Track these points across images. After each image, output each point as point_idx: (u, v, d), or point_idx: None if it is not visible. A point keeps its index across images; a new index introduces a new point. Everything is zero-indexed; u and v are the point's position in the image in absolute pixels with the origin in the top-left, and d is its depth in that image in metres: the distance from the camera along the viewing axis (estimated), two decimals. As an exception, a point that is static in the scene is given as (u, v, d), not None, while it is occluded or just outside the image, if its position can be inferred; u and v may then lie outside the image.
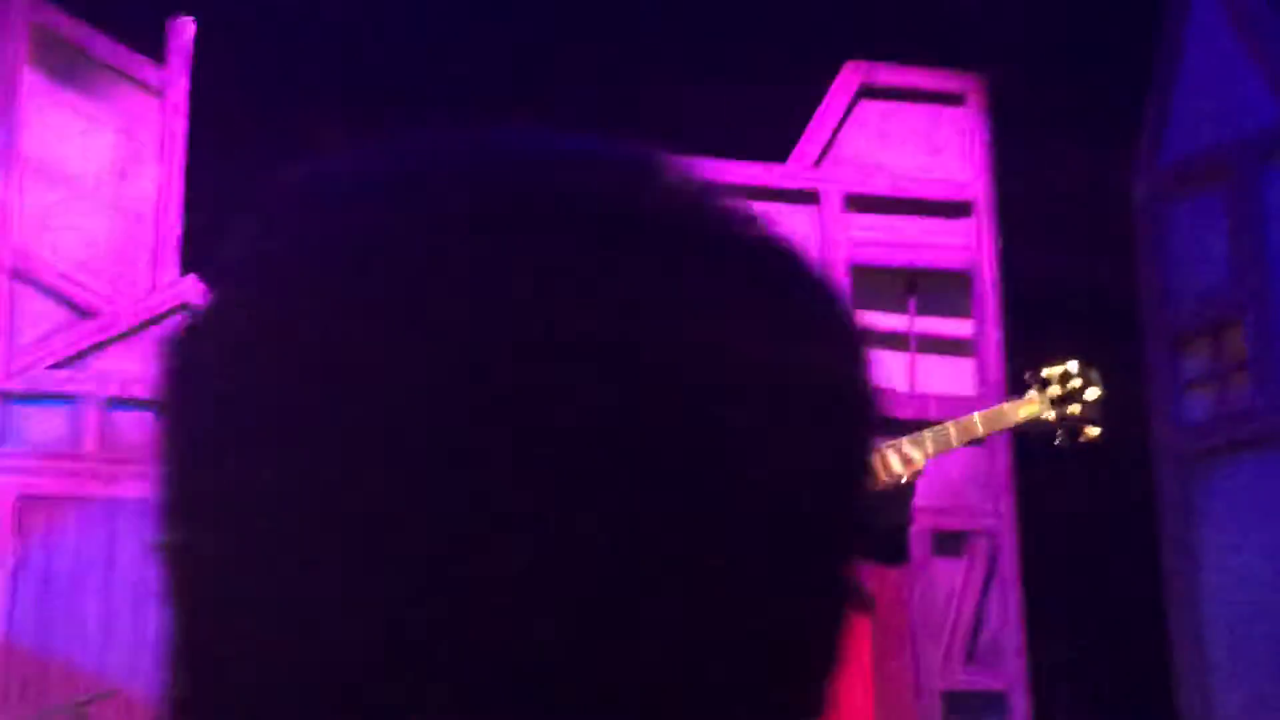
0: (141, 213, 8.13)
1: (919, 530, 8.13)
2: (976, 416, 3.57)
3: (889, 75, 8.77)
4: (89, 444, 7.71)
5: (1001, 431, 3.57)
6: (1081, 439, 3.63)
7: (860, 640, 8.00)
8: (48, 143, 8.10)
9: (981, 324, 8.48)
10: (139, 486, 7.66)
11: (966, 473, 8.30)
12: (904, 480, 3.52)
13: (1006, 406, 3.60)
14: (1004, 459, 8.30)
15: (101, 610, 7.54)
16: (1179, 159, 8.74)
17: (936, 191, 8.67)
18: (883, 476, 3.54)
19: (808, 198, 8.54)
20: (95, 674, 7.38)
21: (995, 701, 8.04)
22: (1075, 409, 3.60)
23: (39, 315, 7.89)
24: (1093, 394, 3.59)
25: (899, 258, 8.57)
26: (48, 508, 7.61)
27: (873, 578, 7.99)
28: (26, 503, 7.57)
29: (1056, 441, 3.67)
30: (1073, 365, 3.62)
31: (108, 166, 8.17)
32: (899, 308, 8.55)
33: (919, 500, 8.15)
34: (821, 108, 8.66)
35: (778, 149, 8.62)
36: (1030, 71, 8.61)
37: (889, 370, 8.34)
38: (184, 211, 8.12)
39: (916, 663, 7.98)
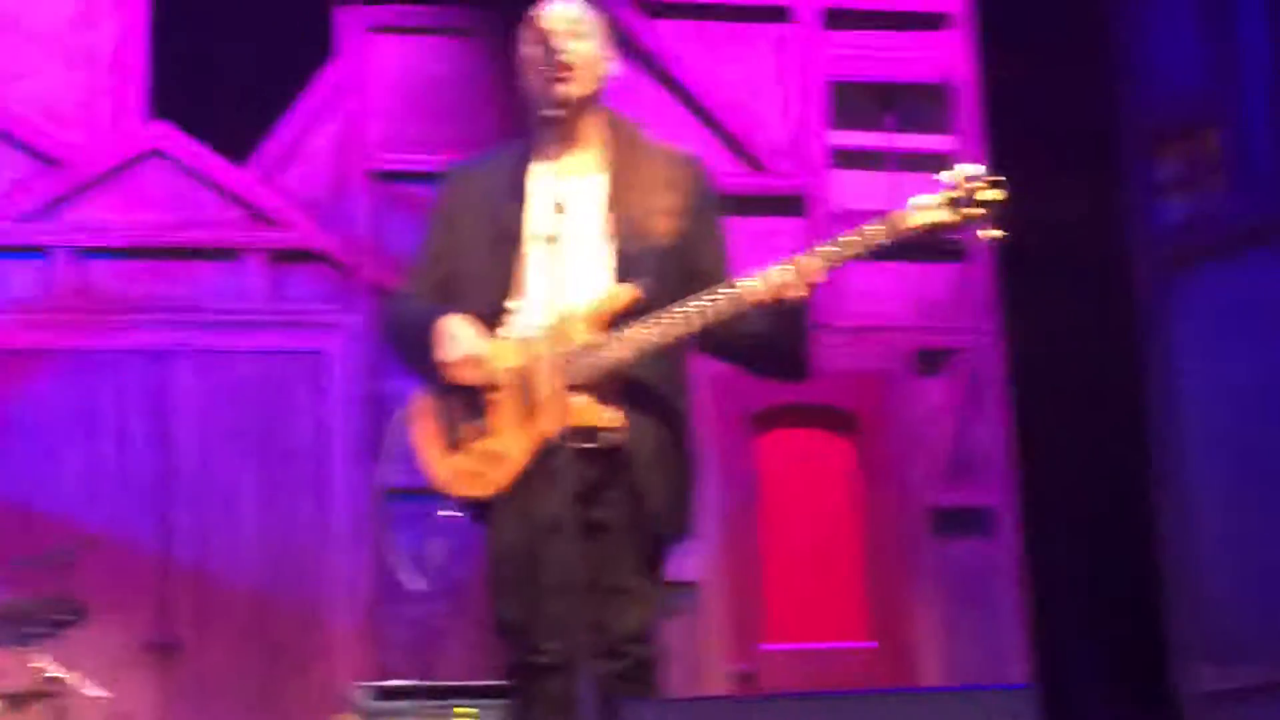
0: (106, 59, 8.01)
1: (901, 349, 8.15)
2: (878, 223, 3.51)
3: (863, -114, 8.60)
4: (63, 295, 7.67)
5: (904, 236, 3.51)
6: (983, 240, 3.57)
7: (846, 459, 8.06)
8: (9, -7, 7.97)
9: (962, 139, 8.39)
10: (114, 337, 7.65)
11: (946, 290, 8.28)
12: (801, 290, 3.47)
13: (905, 211, 3.53)
14: (983, 274, 8.26)
15: (82, 461, 7.55)
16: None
17: (913, 3, 8.53)
18: (782, 287, 3.48)
19: (781, 15, 8.40)
20: (77, 524, 7.41)
21: (982, 517, 8.08)
22: (974, 211, 3.53)
23: (5, 166, 7.81)
24: (991, 195, 3.53)
25: (877, 72, 8.46)
26: (23, 361, 7.59)
27: (853, 397, 8.02)
28: (2, 356, 7.55)
29: (956, 245, 3.65)
30: (969, 168, 3.55)
31: (71, 15, 8.03)
32: (877, 125, 8.46)
33: (901, 317, 8.17)
34: (793, -79, 8.49)
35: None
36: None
37: (868, 189, 8.28)
38: (149, 58, 8.00)
39: (902, 480, 8.01)
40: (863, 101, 8.43)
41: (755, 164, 8.20)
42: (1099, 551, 8.64)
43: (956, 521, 8.05)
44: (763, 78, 8.36)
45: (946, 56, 8.48)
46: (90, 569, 7.33)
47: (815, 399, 7.95)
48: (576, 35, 3.75)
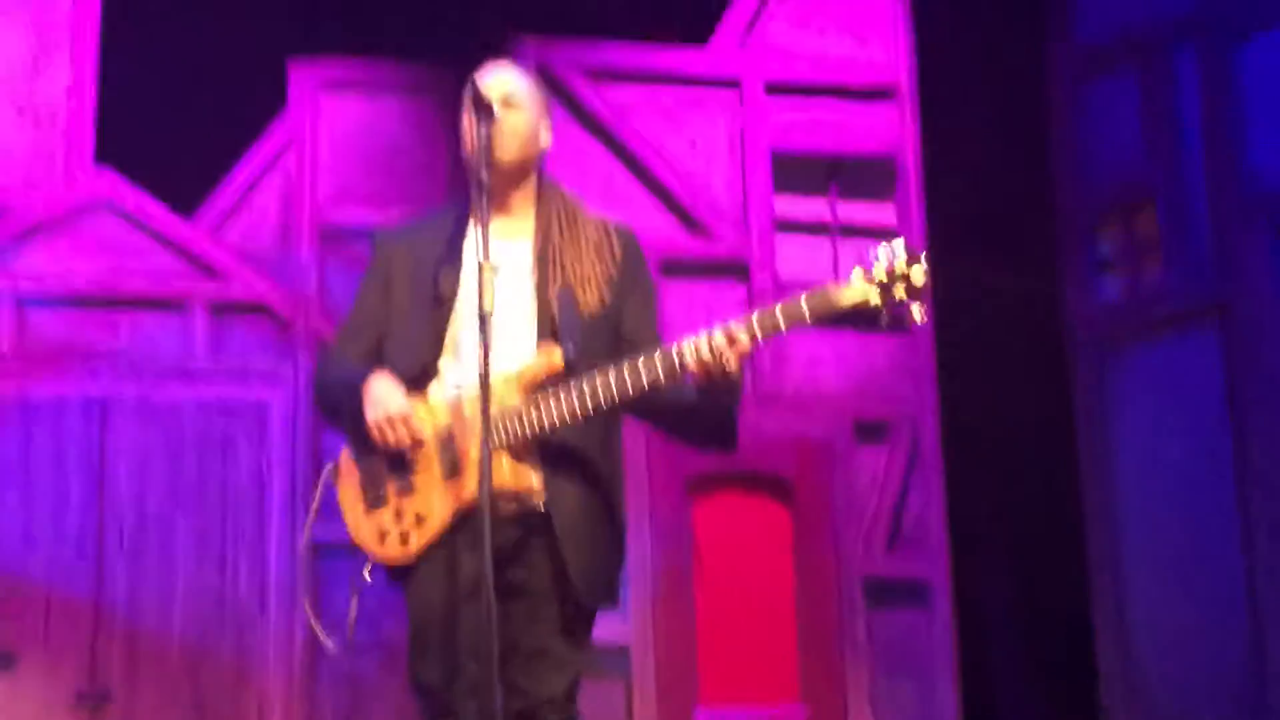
0: (54, 109, 8.01)
1: (840, 418, 8.18)
2: (803, 299, 3.55)
3: (809, -41, 8.69)
4: (2, 344, 7.64)
5: (828, 315, 3.55)
6: (908, 322, 3.61)
7: (781, 526, 8.07)
8: (-44, 37, 7.98)
9: (905, 210, 8.46)
10: (54, 386, 7.62)
11: (888, 360, 8.32)
12: (731, 364, 3.49)
13: (831, 289, 3.56)
14: (926, 346, 8.32)
15: (16, 513, 7.50)
16: (1093, 39, 8.70)
17: (859, 76, 8.61)
18: (707, 357, 3.51)
19: (728, 83, 8.47)
20: (12, 574, 7.36)
21: (918, 588, 8.09)
22: (900, 292, 3.57)
23: (-50, 212, 7.79)
24: (918, 275, 3.57)
25: (821, 143, 8.52)
26: (-38, 407, 7.56)
27: (791, 465, 8.04)
28: (-60, 403, 7.52)
29: (883, 324, 3.66)
30: (897, 245, 3.60)
31: (19, 62, 8.04)
32: (822, 194, 8.52)
33: (841, 387, 8.21)
34: (743, -10, 8.58)
35: (698, 34, 8.54)
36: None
37: (811, 257, 8.33)
38: (98, 106, 8.01)
39: (838, 550, 8.02)
40: (807, 171, 8.48)
41: (700, 230, 8.24)
42: (1033, 623, 8.70)
43: (892, 591, 8.05)
44: (708, 145, 8.42)
45: (891, 129, 8.56)
46: (21, 618, 7.30)
47: (753, 466, 7.96)
48: (508, 104, 3.76)
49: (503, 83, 3.81)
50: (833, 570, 7.98)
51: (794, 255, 8.28)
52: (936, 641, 8.05)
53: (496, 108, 3.71)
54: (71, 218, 7.85)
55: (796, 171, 8.47)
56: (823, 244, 8.39)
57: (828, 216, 8.47)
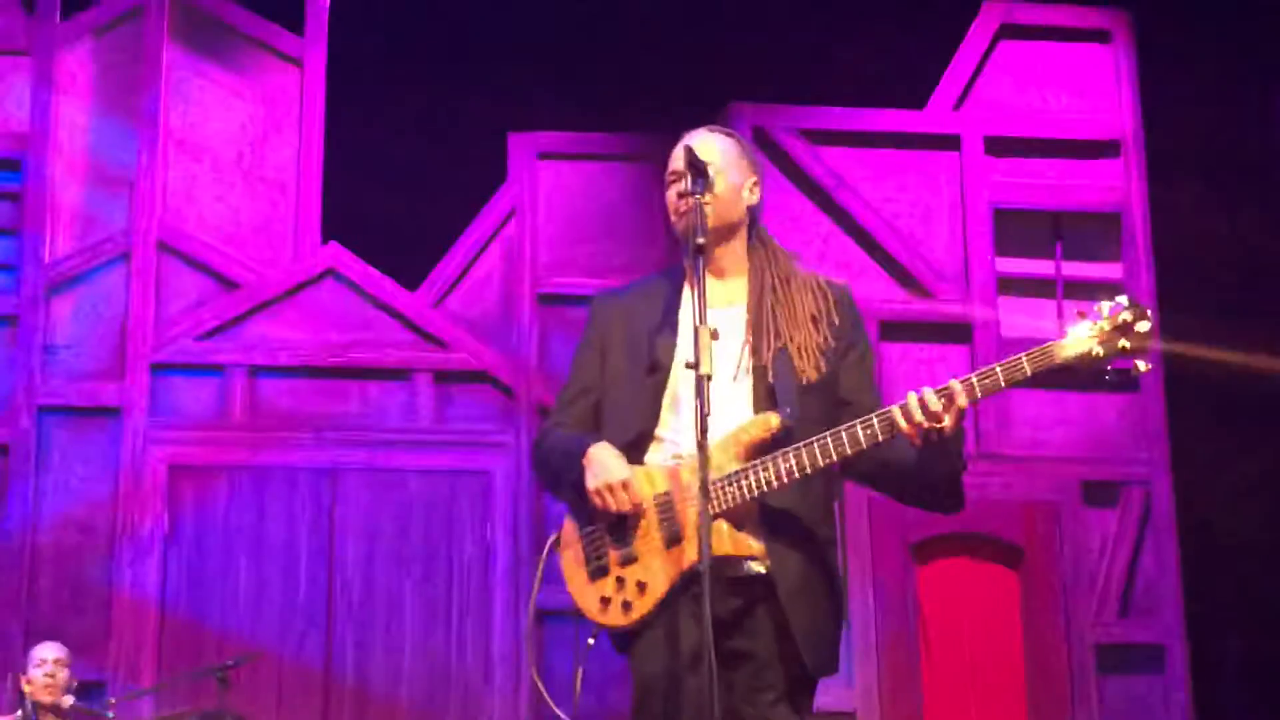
0: (282, 182, 8.23)
1: (1069, 480, 8.01)
2: (1024, 357, 3.48)
3: (1029, 14, 8.58)
4: (236, 413, 7.84)
5: (1050, 370, 3.47)
6: (1133, 374, 3.52)
7: (1010, 591, 7.91)
8: (190, 116, 8.24)
9: (1132, 267, 8.29)
10: (285, 454, 7.80)
11: (1117, 421, 8.14)
12: (947, 422, 3.42)
13: (1054, 344, 3.49)
14: (1157, 406, 8.12)
15: (251, 577, 7.68)
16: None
17: (1082, 131, 8.47)
18: (922, 419, 3.44)
19: (948, 143, 8.39)
20: (245, 637, 7.51)
21: (1152, 654, 7.87)
22: (1125, 344, 3.48)
23: (185, 287, 8.03)
24: (1143, 328, 3.49)
25: (1044, 200, 8.39)
26: (198, 477, 7.75)
27: (1019, 528, 7.88)
28: (177, 472, 7.73)
29: (1107, 377, 3.57)
30: (1122, 299, 3.51)
31: (249, 138, 8.28)
32: (1045, 253, 8.39)
33: (1068, 448, 8.04)
34: (961, 50, 8.49)
35: (917, 95, 8.48)
36: (1178, 4, 8.34)
37: (1035, 316, 8.19)
38: (324, 179, 8.21)
39: (1068, 616, 7.83)
40: (1030, 229, 8.36)
41: (921, 291, 8.16)
42: (1271, 688, 8.37)
43: (1124, 658, 7.84)
44: (928, 204, 8.34)
45: (1116, 184, 8.40)
46: (255, 684, 7.44)
47: (980, 528, 7.83)
48: (696, 170, 3.71)
49: (698, 149, 3.77)
50: (1063, 636, 7.79)
51: (1018, 315, 8.14)
52: (1172, 709, 7.81)
53: (686, 178, 3.70)
54: (301, 291, 8.04)
55: (1019, 230, 8.35)
56: (1047, 304, 8.24)
57: (1052, 275, 8.33)
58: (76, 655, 6.81)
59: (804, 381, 3.70)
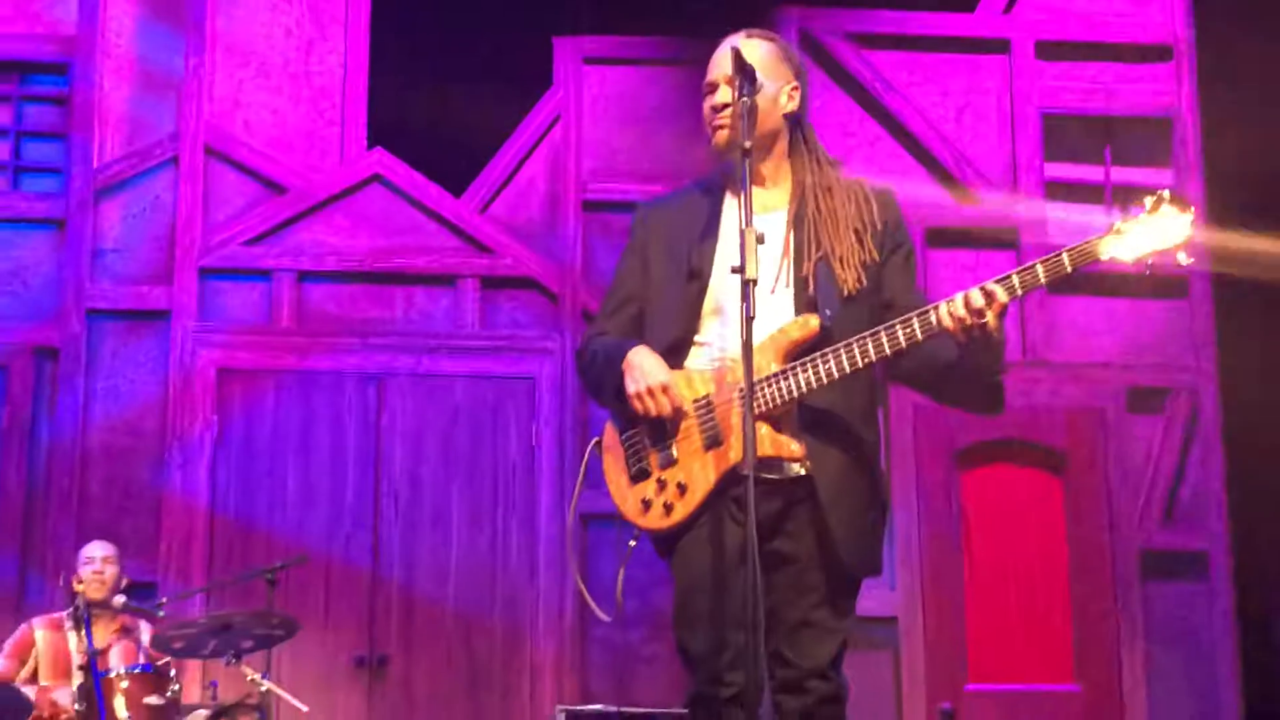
0: (328, 87, 8.23)
1: (1114, 387, 7.99)
2: (1064, 252, 3.47)
3: (1081, -85, 8.48)
4: (284, 317, 7.89)
5: (1089, 265, 3.46)
6: (1175, 268, 3.50)
7: (1053, 498, 7.92)
8: (237, 22, 8.23)
9: (1182, 173, 8.22)
10: (332, 359, 7.85)
11: (1164, 326, 8.09)
12: (990, 320, 3.41)
13: (1095, 239, 3.47)
14: (1205, 312, 8.07)
15: (298, 480, 7.75)
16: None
17: (1133, 35, 8.38)
18: (964, 315, 3.44)
19: (997, 46, 8.31)
20: (293, 539, 7.60)
21: (1195, 561, 7.87)
22: (1166, 238, 3.47)
23: (232, 191, 8.06)
24: (1184, 221, 3.46)
25: (1094, 105, 8.32)
26: (246, 380, 7.81)
27: (1065, 436, 7.87)
28: (225, 375, 7.79)
29: (1147, 272, 3.55)
30: (1164, 194, 3.49)
31: (295, 43, 8.27)
32: (1094, 158, 8.32)
33: (1114, 354, 8.01)
34: (1011, -48, 8.41)
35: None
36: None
37: (1084, 223, 8.13)
38: (369, 84, 8.20)
39: (1112, 522, 7.84)
40: (1079, 134, 8.29)
41: (968, 196, 8.12)
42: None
43: (1169, 564, 7.85)
44: (976, 108, 8.28)
45: (1167, 89, 8.31)
46: (302, 585, 7.54)
47: (1024, 435, 7.83)
48: (745, 74, 3.68)
49: (725, 59, 3.75)
50: (1107, 542, 7.80)
51: (1065, 221, 8.09)
52: (1216, 615, 7.82)
53: (722, 88, 3.70)
54: (347, 196, 8.06)
55: (1068, 135, 8.28)
56: (1096, 209, 8.18)
57: (1101, 180, 8.27)
58: (127, 556, 6.90)
59: (844, 292, 3.69)
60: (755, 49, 3.82)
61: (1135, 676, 7.67)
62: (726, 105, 3.73)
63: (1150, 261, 3.57)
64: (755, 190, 3.75)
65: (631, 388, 3.69)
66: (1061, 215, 8.09)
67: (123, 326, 7.84)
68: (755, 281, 3.43)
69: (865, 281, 3.72)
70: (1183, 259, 3.55)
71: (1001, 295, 3.51)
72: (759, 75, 3.72)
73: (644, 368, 3.69)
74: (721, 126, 3.75)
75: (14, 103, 8.07)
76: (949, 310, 3.53)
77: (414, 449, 7.83)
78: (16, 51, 8.04)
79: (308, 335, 7.86)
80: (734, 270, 3.48)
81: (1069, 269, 3.53)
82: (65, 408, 7.68)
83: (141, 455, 7.71)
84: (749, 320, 3.40)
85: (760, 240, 3.46)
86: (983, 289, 3.52)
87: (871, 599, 7.20)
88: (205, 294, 7.89)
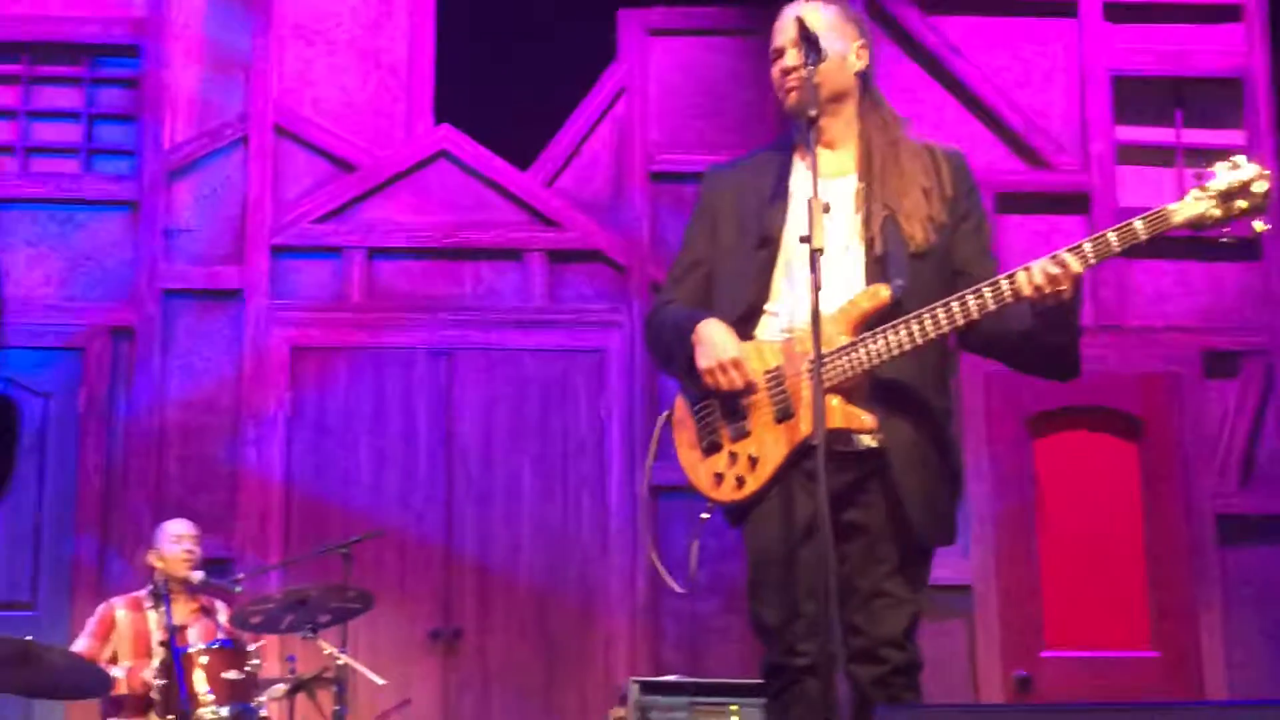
0: (395, 64, 8.25)
1: (1189, 351, 7.92)
2: (1137, 221, 3.44)
3: (1148, -125, 8.37)
4: (354, 294, 7.93)
5: (1164, 232, 3.43)
6: (1250, 234, 3.47)
7: (1128, 464, 7.86)
8: (303, 1, 8.26)
9: (1254, 134, 8.12)
10: (402, 335, 7.89)
11: (1239, 290, 8.01)
12: (1064, 287, 3.39)
13: (1168, 207, 3.44)
14: (1277, 274, 7.99)
15: (371, 456, 7.80)
16: None
17: (1202, -5, 8.29)
18: (1042, 283, 3.42)
19: (1066, 9, 8.23)
20: (367, 514, 7.65)
21: (1273, 525, 7.80)
22: (1241, 204, 3.43)
23: (302, 170, 8.10)
24: (1260, 187, 3.43)
25: (1164, 67, 8.23)
26: (318, 358, 7.87)
27: (1140, 402, 7.82)
28: (298, 353, 7.84)
29: (1223, 238, 3.53)
30: (1239, 159, 3.46)
31: (361, 21, 8.30)
32: (1165, 120, 8.24)
33: (1189, 318, 7.94)
34: (1078, -87, 8.32)
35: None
36: None
37: (1153, 185, 8.06)
38: (435, 61, 8.22)
39: (1188, 488, 7.78)
40: (1150, 96, 8.21)
41: (1038, 161, 8.06)
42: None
43: (1245, 529, 7.77)
44: (1045, 73, 8.21)
45: (1238, 49, 8.22)
46: (377, 559, 7.59)
47: (1098, 401, 7.77)
48: (810, 42, 3.68)
49: (800, 20, 3.74)
50: (1183, 508, 7.74)
51: (1137, 184, 8.02)
52: (1294, 581, 7.76)
53: (789, 51, 3.69)
54: (415, 172, 8.09)
55: (1138, 97, 8.20)
56: (1167, 173, 8.11)
57: (1172, 142, 8.18)
58: (204, 533, 6.96)
59: (913, 248, 3.68)
60: (819, 12, 3.81)
61: (1213, 642, 7.61)
62: (795, 68, 3.72)
63: (1225, 227, 3.54)
64: (824, 153, 3.75)
65: (703, 362, 3.69)
66: (1132, 180, 8.02)
67: (197, 306, 7.91)
68: (822, 251, 3.43)
69: (934, 238, 3.71)
70: (1259, 227, 3.52)
71: (1075, 264, 3.49)
72: (827, 37, 3.71)
73: (715, 341, 3.69)
74: (793, 89, 3.74)
75: (85, 86, 8.14)
76: (1025, 279, 3.51)
77: (484, 423, 7.86)
78: (87, 35, 8.10)
79: (378, 311, 7.91)
80: (802, 240, 3.48)
81: (1142, 237, 3.51)
82: (142, 387, 7.75)
83: (217, 433, 7.78)
84: (817, 290, 3.40)
85: (826, 210, 3.46)
86: (1055, 258, 3.50)
87: (945, 567, 7.19)
88: (277, 272, 7.94)
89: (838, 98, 3.81)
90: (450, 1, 8.21)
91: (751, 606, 3.74)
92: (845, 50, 3.82)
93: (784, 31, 3.78)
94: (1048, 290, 3.50)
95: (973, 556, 7.63)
